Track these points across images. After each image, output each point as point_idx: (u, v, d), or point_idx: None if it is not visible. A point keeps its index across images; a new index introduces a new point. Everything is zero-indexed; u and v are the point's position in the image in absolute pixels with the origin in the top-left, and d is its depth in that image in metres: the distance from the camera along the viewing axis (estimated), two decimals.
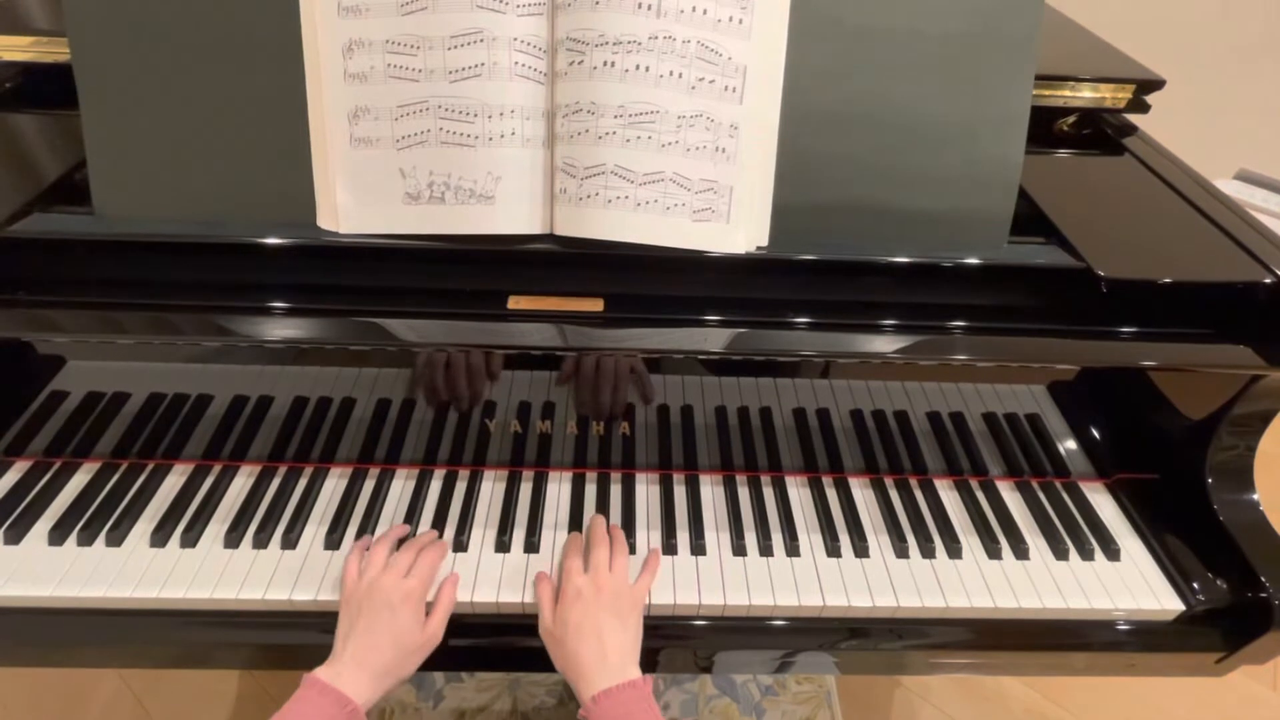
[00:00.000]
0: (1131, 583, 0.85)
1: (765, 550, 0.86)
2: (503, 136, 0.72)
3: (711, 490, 0.93)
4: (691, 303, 0.78)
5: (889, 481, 0.95)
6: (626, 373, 0.87)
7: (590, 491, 0.92)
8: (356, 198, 0.75)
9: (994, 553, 0.87)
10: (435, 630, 0.77)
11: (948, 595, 0.83)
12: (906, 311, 0.79)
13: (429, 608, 0.78)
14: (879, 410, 0.92)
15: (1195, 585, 0.85)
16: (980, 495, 0.93)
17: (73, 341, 0.85)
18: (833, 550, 0.86)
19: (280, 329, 0.76)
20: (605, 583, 0.78)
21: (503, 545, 0.85)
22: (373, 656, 0.72)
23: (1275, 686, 1.62)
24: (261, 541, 0.84)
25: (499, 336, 0.76)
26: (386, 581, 0.76)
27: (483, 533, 0.87)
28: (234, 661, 1.00)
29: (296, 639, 0.82)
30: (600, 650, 0.74)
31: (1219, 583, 0.85)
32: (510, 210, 0.74)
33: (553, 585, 0.80)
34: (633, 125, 0.72)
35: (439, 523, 0.87)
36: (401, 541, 0.84)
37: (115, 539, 0.84)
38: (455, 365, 0.86)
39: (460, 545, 0.85)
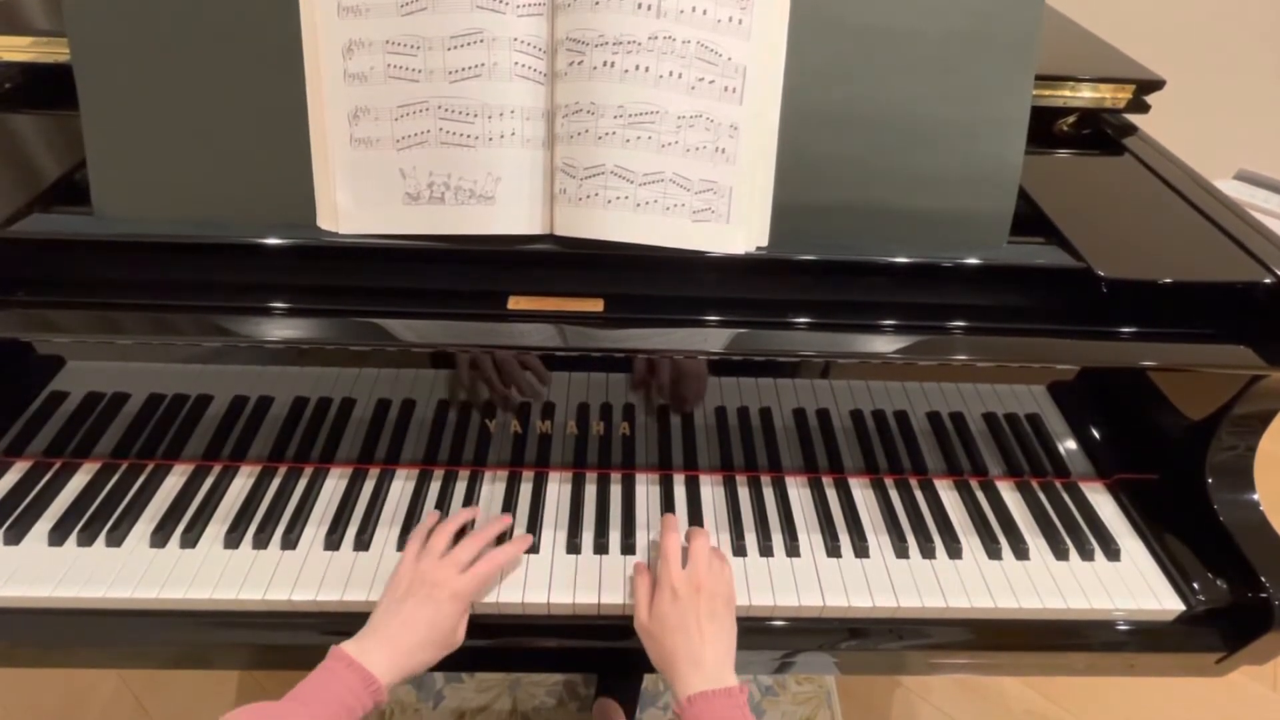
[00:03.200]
0: (1131, 583, 0.85)
1: (765, 550, 0.86)
2: (502, 137, 0.72)
3: (711, 490, 0.93)
4: (691, 303, 0.78)
5: (889, 481, 0.95)
6: (679, 374, 0.87)
7: (590, 492, 0.92)
8: (356, 198, 0.75)
9: (994, 553, 0.87)
10: (460, 639, 0.77)
11: (948, 595, 0.83)
12: (906, 312, 0.79)
13: None
14: (879, 410, 0.92)
15: (1195, 585, 0.85)
16: (980, 495, 0.93)
17: (73, 342, 0.85)
18: (833, 550, 0.86)
19: (280, 329, 0.76)
20: (704, 580, 0.77)
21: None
22: (403, 639, 0.72)
23: (1275, 686, 1.62)
24: (261, 542, 0.84)
25: (499, 337, 0.76)
26: (441, 574, 0.76)
27: None
28: (234, 661, 1.00)
29: (296, 639, 0.82)
30: (697, 652, 0.73)
31: (1219, 583, 0.85)
32: (510, 210, 0.74)
33: (650, 579, 0.80)
34: (632, 125, 0.72)
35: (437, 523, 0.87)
36: (466, 527, 0.84)
37: (115, 539, 0.84)
38: (481, 366, 0.86)
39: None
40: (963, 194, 0.78)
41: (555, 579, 0.83)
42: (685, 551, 0.80)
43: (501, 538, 0.85)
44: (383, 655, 0.71)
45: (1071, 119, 1.05)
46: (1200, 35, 2.17)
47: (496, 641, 0.83)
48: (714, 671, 0.72)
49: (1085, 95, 1.02)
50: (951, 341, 0.78)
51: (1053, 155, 1.01)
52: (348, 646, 0.71)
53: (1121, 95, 1.02)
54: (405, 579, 0.76)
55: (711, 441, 0.93)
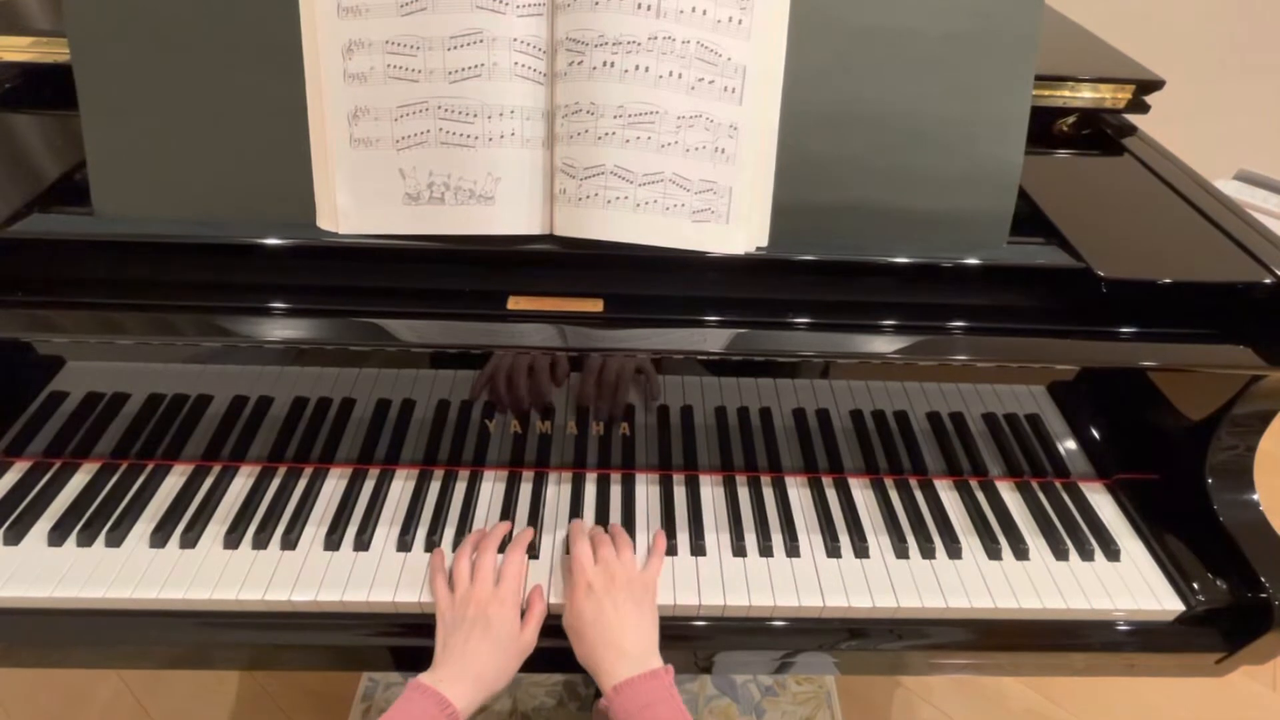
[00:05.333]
0: (1131, 583, 0.85)
1: (765, 551, 0.86)
2: (502, 137, 0.72)
3: (711, 490, 0.93)
4: (691, 303, 0.78)
5: (889, 482, 0.95)
6: (633, 372, 0.87)
7: (590, 492, 0.92)
8: (356, 198, 0.75)
9: (994, 553, 0.87)
10: (530, 639, 0.78)
11: (948, 596, 0.83)
12: (906, 312, 0.79)
13: (523, 614, 0.79)
14: (879, 410, 0.92)
15: (1195, 585, 0.85)
16: (980, 495, 0.93)
17: (72, 342, 0.85)
18: (833, 551, 0.86)
19: (280, 329, 0.76)
20: (617, 571, 0.78)
21: (503, 547, 0.85)
22: (473, 666, 0.74)
23: (1275, 686, 1.62)
24: (261, 542, 0.84)
25: (499, 337, 0.76)
26: (479, 594, 0.77)
27: None
28: (234, 661, 1.00)
29: (296, 639, 0.82)
30: (619, 641, 0.74)
31: (1219, 583, 0.85)
32: (510, 211, 0.74)
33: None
34: (632, 125, 0.72)
35: (438, 524, 0.87)
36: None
37: (115, 539, 0.84)
38: (517, 371, 0.86)
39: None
40: (963, 194, 0.78)
41: (555, 579, 0.83)
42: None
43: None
44: (456, 681, 0.72)
45: (1071, 119, 1.05)
46: (1200, 35, 2.17)
47: None
48: (638, 657, 0.73)
49: (1085, 95, 1.02)
50: (951, 341, 0.78)
51: (1053, 155, 1.01)
52: (424, 677, 0.73)
53: (1121, 95, 1.02)
54: (449, 613, 0.77)
55: (711, 441, 0.93)
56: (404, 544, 0.85)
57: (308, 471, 0.92)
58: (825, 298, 0.79)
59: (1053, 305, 0.80)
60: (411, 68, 0.71)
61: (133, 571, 0.81)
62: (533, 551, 0.85)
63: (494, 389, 0.87)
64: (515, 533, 0.87)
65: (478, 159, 0.73)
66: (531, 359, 0.85)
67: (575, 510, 0.90)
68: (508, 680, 0.76)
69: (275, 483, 0.91)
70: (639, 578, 0.80)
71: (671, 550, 0.86)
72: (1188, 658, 0.85)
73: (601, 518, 0.89)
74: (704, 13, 0.71)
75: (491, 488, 0.92)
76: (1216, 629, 0.84)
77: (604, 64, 0.70)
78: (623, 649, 0.74)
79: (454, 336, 0.77)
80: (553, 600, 0.81)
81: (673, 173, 0.73)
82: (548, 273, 0.79)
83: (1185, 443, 0.89)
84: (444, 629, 0.77)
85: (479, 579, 0.78)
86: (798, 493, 0.93)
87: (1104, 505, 0.93)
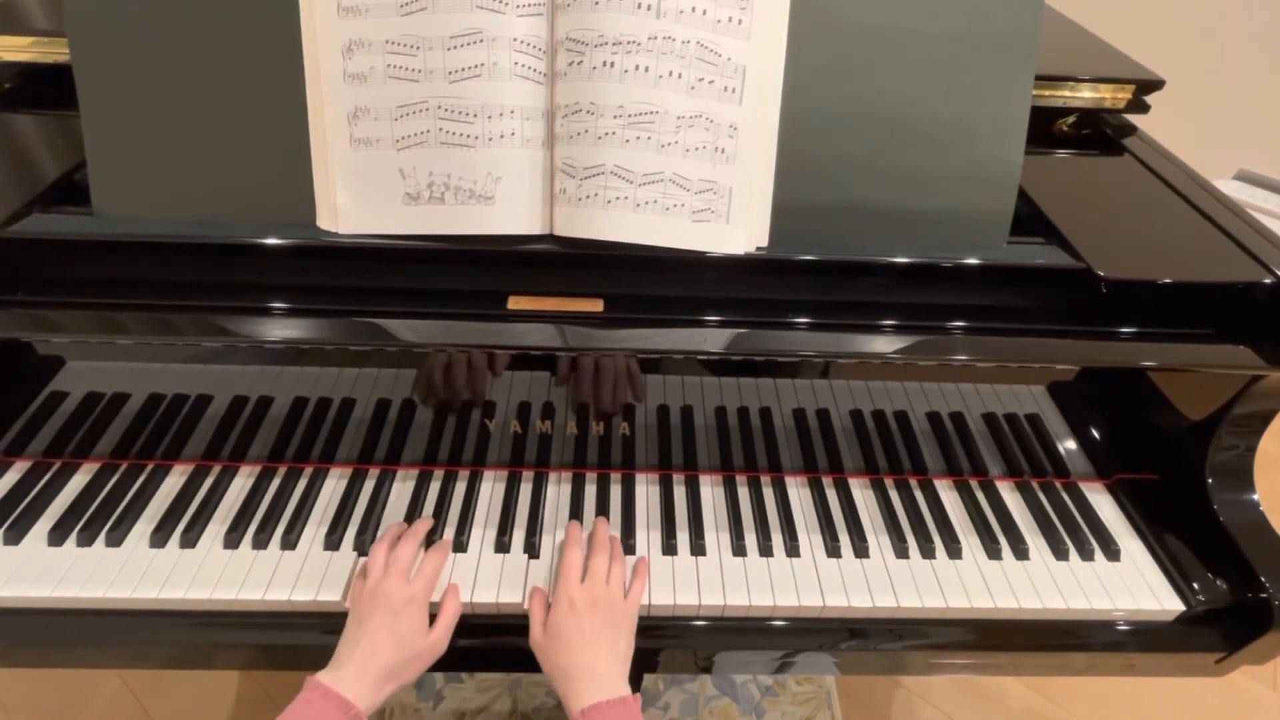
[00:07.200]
0: (1131, 583, 0.85)
1: (765, 551, 0.86)
2: (502, 137, 0.72)
3: (711, 490, 0.93)
4: (691, 303, 0.78)
5: (889, 482, 0.95)
6: (620, 372, 0.87)
7: (590, 492, 0.92)
8: (356, 198, 0.75)
9: (994, 553, 0.87)
10: (440, 639, 0.77)
11: (948, 595, 0.83)
12: (906, 312, 0.79)
13: (433, 616, 0.78)
14: (879, 410, 0.92)
15: (1195, 585, 0.85)
16: (980, 495, 0.93)
17: (72, 342, 0.85)
18: (833, 550, 0.86)
19: (280, 329, 0.76)
20: (600, 595, 0.78)
21: (502, 546, 0.85)
22: (375, 661, 0.72)
23: (1275, 686, 1.62)
24: (261, 542, 0.84)
25: (499, 337, 0.76)
26: (389, 587, 0.76)
27: (482, 533, 0.87)
28: (234, 662, 1.00)
29: (296, 639, 0.82)
30: (591, 663, 0.73)
31: (1219, 583, 0.85)
32: (510, 210, 0.74)
33: (546, 597, 0.80)
34: (632, 125, 0.72)
35: (439, 524, 0.87)
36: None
37: (115, 539, 0.84)
38: (456, 365, 0.86)
39: (460, 546, 0.85)
40: (963, 194, 0.78)
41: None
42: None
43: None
44: (357, 679, 0.71)
45: (1071, 119, 1.05)
46: (1200, 35, 2.17)
47: (496, 642, 0.83)
48: (608, 682, 0.72)
49: (1085, 95, 1.02)
50: (951, 341, 0.78)
51: (1053, 155, 1.01)
52: (323, 676, 0.71)
53: (1121, 95, 1.02)
54: (360, 601, 0.76)
55: (711, 441, 0.93)
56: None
57: (308, 471, 0.92)
58: (825, 298, 0.79)
59: (1053, 305, 0.80)
60: (411, 68, 0.71)
61: (133, 571, 0.81)
62: (531, 551, 0.85)
63: (430, 384, 0.87)
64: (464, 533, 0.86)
65: (478, 159, 0.73)
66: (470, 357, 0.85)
67: (575, 510, 0.90)
68: (413, 679, 0.75)
69: (275, 483, 0.91)
70: (622, 605, 0.79)
71: (671, 550, 0.86)
72: (1188, 658, 0.85)
73: (601, 518, 0.89)
74: (704, 13, 0.71)
75: (491, 488, 0.92)
76: (1216, 629, 0.84)
77: (604, 64, 0.70)
78: (594, 672, 0.73)
79: (454, 336, 0.77)
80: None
81: (673, 173, 0.73)
82: (548, 273, 0.79)
83: (1185, 443, 0.89)
84: (354, 620, 0.75)
85: (392, 572, 0.77)
86: (798, 492, 0.93)
87: (1104, 505, 0.93)
